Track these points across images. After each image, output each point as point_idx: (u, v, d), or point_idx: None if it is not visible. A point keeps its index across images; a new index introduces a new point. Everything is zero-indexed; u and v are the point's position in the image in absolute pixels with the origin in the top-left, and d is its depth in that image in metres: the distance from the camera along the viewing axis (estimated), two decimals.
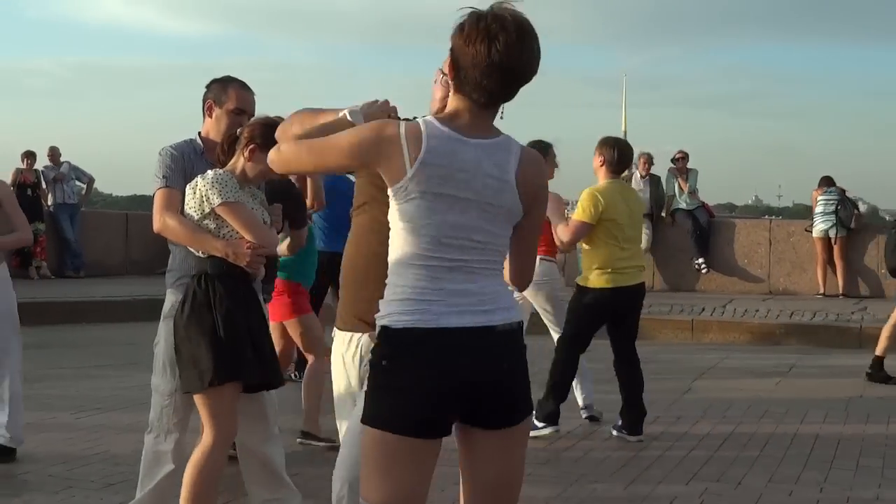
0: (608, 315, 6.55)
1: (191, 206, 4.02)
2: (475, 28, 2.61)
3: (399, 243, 2.71)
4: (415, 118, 2.90)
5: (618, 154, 6.64)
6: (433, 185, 2.63)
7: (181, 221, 4.07)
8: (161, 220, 4.13)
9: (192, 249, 4.10)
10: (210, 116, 4.35)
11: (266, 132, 3.97)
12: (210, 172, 4.02)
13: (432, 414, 2.65)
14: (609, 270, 6.44)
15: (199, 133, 4.38)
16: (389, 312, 2.68)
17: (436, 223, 2.65)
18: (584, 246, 6.62)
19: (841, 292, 13.74)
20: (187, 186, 4.06)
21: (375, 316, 2.73)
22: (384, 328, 2.68)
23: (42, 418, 6.88)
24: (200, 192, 3.96)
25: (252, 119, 4.31)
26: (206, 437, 4.09)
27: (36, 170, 15.79)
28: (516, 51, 2.60)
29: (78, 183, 16.33)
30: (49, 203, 15.88)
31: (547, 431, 6.43)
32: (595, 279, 6.47)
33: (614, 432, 6.51)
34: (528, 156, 2.78)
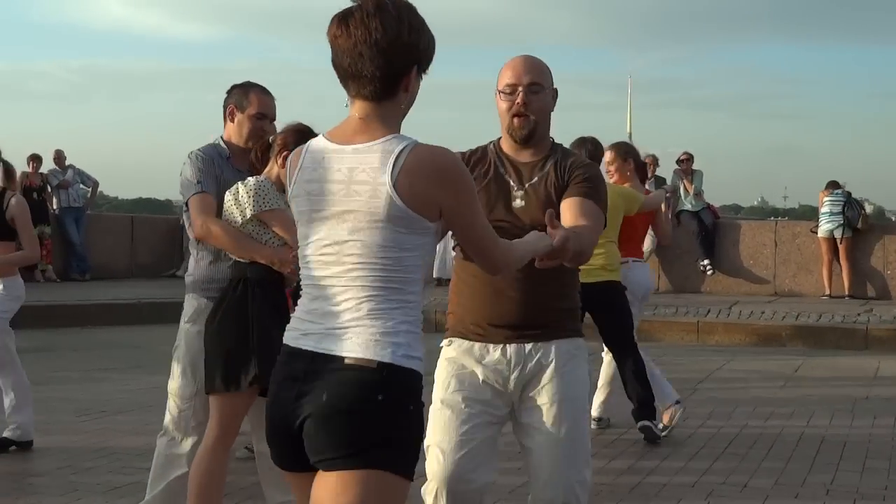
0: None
1: (232, 212, 4.08)
2: (334, 17, 2.43)
3: None
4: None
5: (591, 150, 6.57)
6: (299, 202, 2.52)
7: (226, 228, 4.12)
8: (204, 226, 4.14)
9: (232, 255, 4.14)
10: (232, 121, 4.36)
11: (299, 138, 4.02)
12: (251, 179, 4.09)
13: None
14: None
15: (222, 137, 4.40)
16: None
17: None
18: None
19: (847, 293, 13.71)
20: (227, 192, 4.12)
21: None
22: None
23: (47, 421, 6.88)
24: (242, 199, 4.03)
25: (285, 126, 4.34)
26: (213, 436, 4.12)
27: (42, 173, 15.83)
28: (374, 23, 2.35)
29: (83, 186, 16.36)
30: (54, 206, 15.91)
31: None
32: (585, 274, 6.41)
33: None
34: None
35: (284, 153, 4.05)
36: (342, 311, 2.41)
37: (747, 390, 8.44)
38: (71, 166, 16.29)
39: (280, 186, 4.09)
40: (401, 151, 2.36)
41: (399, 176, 2.34)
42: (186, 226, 4.35)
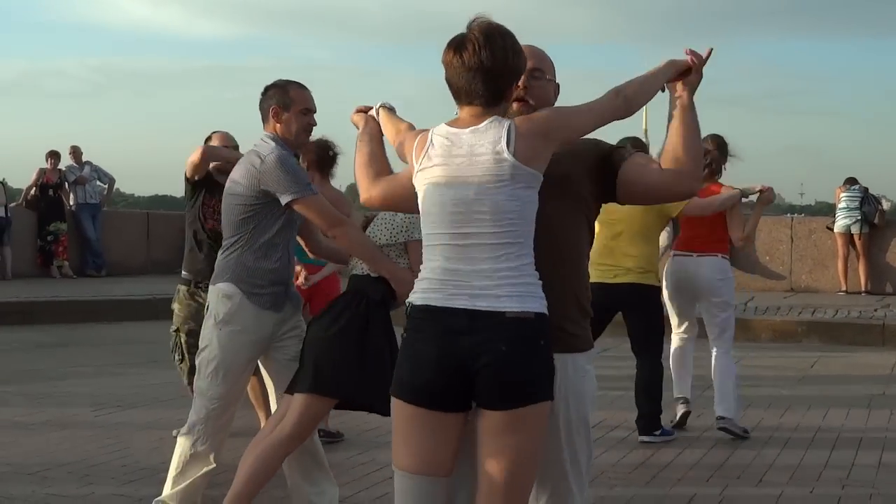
0: (597, 310, 6.41)
1: (382, 232, 4.34)
2: (449, 45, 2.88)
3: None
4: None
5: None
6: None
7: (366, 239, 4.32)
8: (342, 229, 4.27)
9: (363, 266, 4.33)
10: (278, 121, 4.38)
11: (322, 153, 4.27)
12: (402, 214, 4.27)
13: (433, 386, 2.79)
14: (600, 265, 6.20)
15: (273, 136, 4.38)
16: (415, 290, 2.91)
17: None
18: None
19: (863, 289, 13.69)
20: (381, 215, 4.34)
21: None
22: (408, 303, 2.91)
23: (62, 415, 6.94)
24: (401, 224, 4.29)
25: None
26: (285, 433, 4.18)
27: (60, 169, 15.88)
28: (485, 53, 2.79)
29: (99, 183, 16.42)
30: (71, 203, 15.97)
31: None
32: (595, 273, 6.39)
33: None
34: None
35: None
36: (484, 269, 2.79)
37: (763, 387, 8.40)
38: (88, 163, 16.34)
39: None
40: (509, 126, 2.80)
41: (516, 142, 2.77)
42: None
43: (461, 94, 2.88)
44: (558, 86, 3.26)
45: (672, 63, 3.02)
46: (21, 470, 5.56)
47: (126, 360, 9.45)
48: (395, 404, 2.88)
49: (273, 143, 4.33)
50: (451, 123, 2.91)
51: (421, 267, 2.92)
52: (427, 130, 2.96)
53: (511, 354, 2.73)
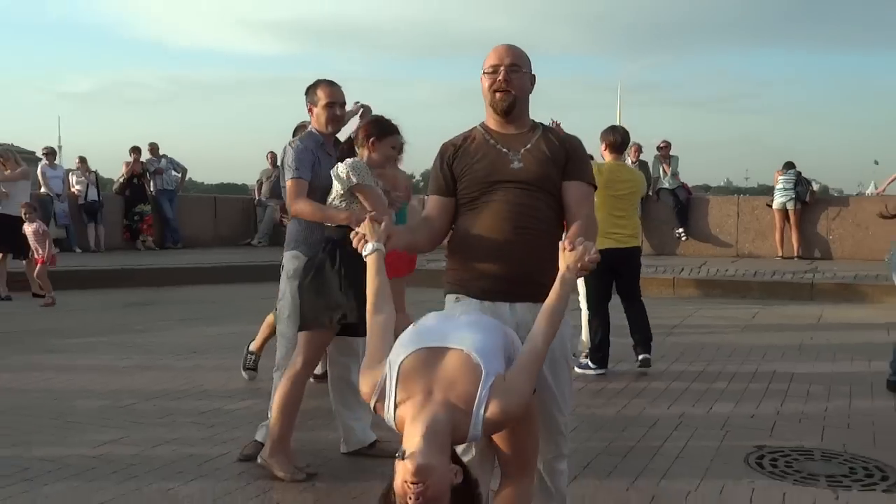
0: (608, 272, 6.51)
1: (336, 186, 4.18)
2: None
3: None
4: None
5: (619, 137, 6.76)
6: None
7: (311, 204, 4.22)
8: (294, 207, 4.26)
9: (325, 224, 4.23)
10: (312, 116, 4.46)
11: (377, 127, 4.34)
12: (349, 160, 4.19)
13: None
14: (602, 235, 6.33)
15: (311, 130, 4.47)
16: None
17: None
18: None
19: (796, 255, 13.69)
20: (332, 170, 4.19)
21: None
22: None
23: (147, 361, 6.99)
24: (342, 175, 4.12)
25: (366, 119, 4.50)
26: (298, 365, 4.21)
27: (142, 162, 15.91)
28: None
29: (174, 173, 16.44)
30: (152, 189, 16.02)
31: (599, 372, 6.54)
32: (607, 241, 6.41)
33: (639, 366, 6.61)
34: None
35: (371, 139, 4.30)
36: None
37: (713, 334, 8.44)
38: (164, 156, 16.34)
39: (370, 166, 4.24)
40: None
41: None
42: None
43: None
44: (534, 76, 3.20)
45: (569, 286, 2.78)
46: (112, 405, 5.61)
47: (197, 315, 9.52)
48: None
49: (307, 136, 4.43)
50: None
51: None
52: None
53: None
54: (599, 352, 6.59)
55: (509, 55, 3.10)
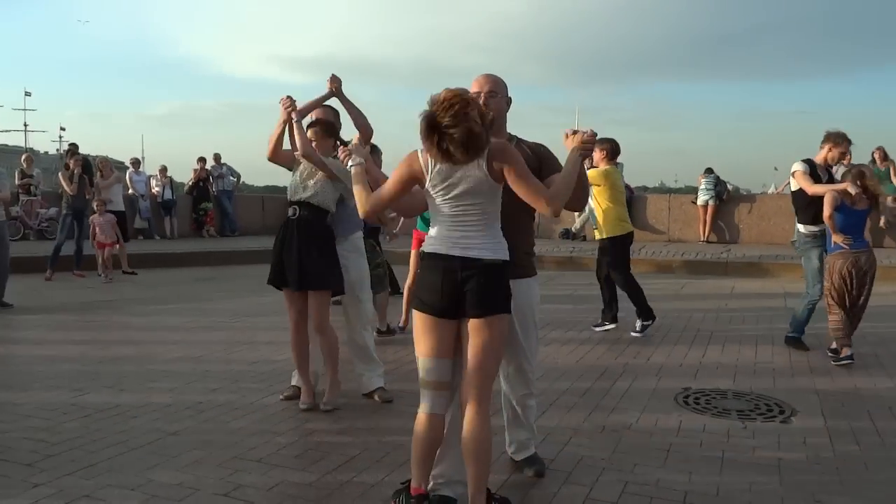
0: (625, 252, 6.70)
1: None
2: None
3: None
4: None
5: (615, 146, 6.71)
6: None
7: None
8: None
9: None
10: None
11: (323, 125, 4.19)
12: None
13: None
14: (623, 221, 6.57)
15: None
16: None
17: None
18: (606, 205, 6.50)
19: (714, 240, 13.68)
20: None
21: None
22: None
23: (212, 323, 6.97)
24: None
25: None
26: (314, 324, 4.23)
27: (206, 169, 15.80)
28: None
29: (231, 178, 16.34)
30: (214, 190, 15.93)
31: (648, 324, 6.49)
32: (621, 228, 6.51)
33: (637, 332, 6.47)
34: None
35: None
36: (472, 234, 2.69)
37: (650, 301, 8.31)
38: (224, 164, 16.25)
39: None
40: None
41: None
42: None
43: None
44: (510, 99, 3.14)
45: (580, 155, 2.81)
46: (184, 355, 5.61)
47: (251, 288, 9.49)
48: (416, 315, 2.78)
49: None
50: None
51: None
52: None
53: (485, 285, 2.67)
54: (644, 306, 6.51)
55: (488, 83, 3.06)
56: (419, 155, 2.73)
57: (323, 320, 4.18)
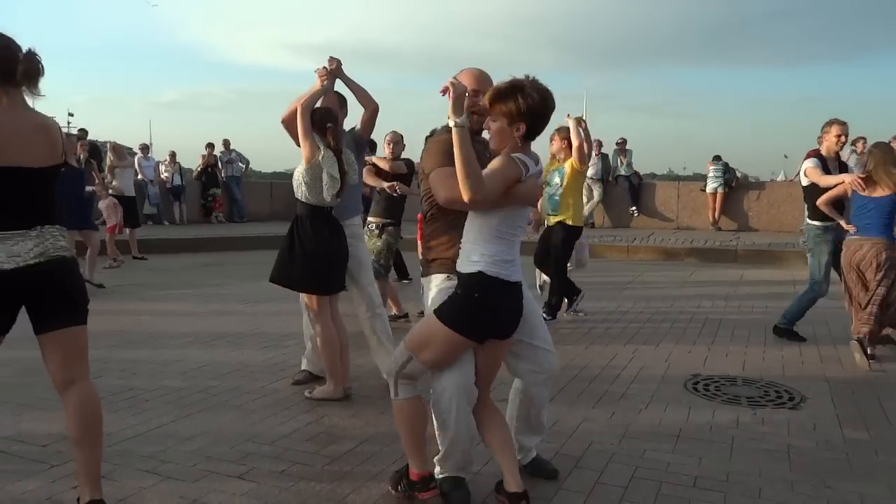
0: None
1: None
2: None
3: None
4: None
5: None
6: None
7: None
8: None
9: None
10: None
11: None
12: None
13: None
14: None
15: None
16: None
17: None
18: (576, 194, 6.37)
19: (723, 228, 13.64)
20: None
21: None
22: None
23: (220, 307, 7.01)
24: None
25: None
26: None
27: (214, 155, 15.83)
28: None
29: (240, 164, 16.36)
30: (223, 175, 15.95)
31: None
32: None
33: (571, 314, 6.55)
34: None
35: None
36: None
37: (659, 289, 8.42)
38: (233, 150, 16.27)
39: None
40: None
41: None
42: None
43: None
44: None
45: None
46: (197, 340, 5.64)
47: (258, 273, 9.48)
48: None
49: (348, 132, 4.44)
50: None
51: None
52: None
53: None
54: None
55: (476, 81, 2.88)
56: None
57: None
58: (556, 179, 6.29)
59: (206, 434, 3.60)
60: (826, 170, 5.58)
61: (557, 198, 6.25)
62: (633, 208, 14.52)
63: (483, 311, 2.60)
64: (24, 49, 2.47)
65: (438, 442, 2.86)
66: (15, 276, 2.43)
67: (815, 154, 5.67)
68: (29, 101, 2.52)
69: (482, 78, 2.92)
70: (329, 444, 3.50)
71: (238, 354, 5.22)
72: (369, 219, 6.05)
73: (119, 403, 4.05)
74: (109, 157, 11.12)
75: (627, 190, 14.53)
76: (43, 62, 2.48)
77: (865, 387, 4.58)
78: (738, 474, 3.22)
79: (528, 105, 2.52)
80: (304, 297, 4.30)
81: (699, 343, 5.70)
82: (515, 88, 2.52)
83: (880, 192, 5.09)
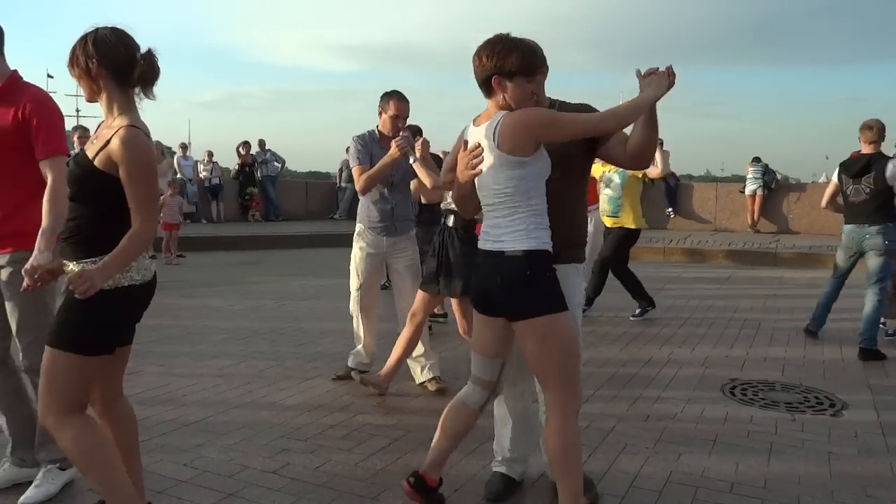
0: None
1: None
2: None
3: None
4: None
5: None
6: None
7: (365, 175, 4.16)
8: (358, 184, 4.20)
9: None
10: (380, 118, 4.33)
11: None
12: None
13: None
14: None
15: (377, 127, 4.36)
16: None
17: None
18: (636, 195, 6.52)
19: (762, 230, 13.42)
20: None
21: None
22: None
23: (257, 304, 7.09)
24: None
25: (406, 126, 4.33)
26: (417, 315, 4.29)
27: (251, 154, 16.01)
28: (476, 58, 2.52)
29: (276, 163, 16.51)
30: (259, 175, 16.11)
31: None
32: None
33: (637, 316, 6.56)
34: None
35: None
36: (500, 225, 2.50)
37: (696, 291, 8.31)
38: (269, 150, 16.43)
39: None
40: (498, 120, 2.48)
41: (497, 134, 2.46)
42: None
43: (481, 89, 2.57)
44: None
45: (657, 94, 2.45)
46: (231, 336, 5.71)
47: (294, 271, 9.63)
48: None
49: (367, 133, 4.31)
50: (475, 120, 2.62)
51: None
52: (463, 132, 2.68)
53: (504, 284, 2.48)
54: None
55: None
56: None
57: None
58: (617, 179, 6.34)
59: (243, 430, 3.65)
60: None
61: (619, 200, 6.39)
62: (670, 209, 14.37)
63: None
64: (143, 49, 2.32)
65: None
66: (147, 289, 2.59)
67: None
68: (137, 101, 2.37)
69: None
70: (363, 441, 3.53)
71: (274, 351, 5.27)
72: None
73: (158, 398, 4.13)
74: None
75: (664, 191, 14.37)
76: (159, 64, 2.32)
77: None
78: (776, 481, 3.16)
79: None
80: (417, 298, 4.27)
81: (737, 346, 5.61)
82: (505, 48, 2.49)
83: None
